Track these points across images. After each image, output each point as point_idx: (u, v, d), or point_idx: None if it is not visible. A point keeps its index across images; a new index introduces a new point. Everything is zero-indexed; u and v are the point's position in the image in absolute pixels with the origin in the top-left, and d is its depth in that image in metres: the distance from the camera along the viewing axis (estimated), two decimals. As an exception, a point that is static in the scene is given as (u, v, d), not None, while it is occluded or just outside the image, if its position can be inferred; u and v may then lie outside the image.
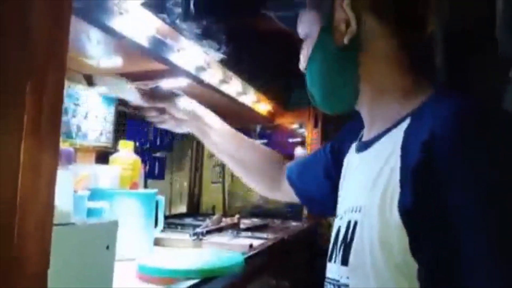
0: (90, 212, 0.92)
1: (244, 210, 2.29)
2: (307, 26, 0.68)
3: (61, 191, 0.55)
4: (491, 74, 1.04)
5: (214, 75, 1.40)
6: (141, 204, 1.10)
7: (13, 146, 0.36)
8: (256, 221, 1.81)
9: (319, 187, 0.84)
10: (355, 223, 0.57)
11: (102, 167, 1.34)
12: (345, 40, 0.61)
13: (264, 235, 1.47)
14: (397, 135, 0.55)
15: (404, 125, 0.55)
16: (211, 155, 2.54)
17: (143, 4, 0.94)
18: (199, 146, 2.34)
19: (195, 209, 2.27)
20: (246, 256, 1.06)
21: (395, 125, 0.58)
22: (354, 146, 0.72)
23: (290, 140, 2.56)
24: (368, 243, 0.53)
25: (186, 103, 1.01)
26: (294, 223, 1.94)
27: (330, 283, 0.62)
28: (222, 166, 2.53)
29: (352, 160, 0.70)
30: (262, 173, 0.97)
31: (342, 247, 0.58)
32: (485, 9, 1.11)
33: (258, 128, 2.47)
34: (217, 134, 0.99)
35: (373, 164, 0.58)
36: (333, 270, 0.61)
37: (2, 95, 0.35)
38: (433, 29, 0.62)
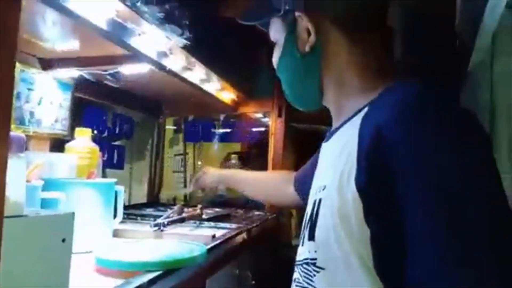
0: (45, 203, 0.87)
1: (206, 200, 2.26)
2: (275, 33, 0.73)
3: (12, 181, 0.51)
4: (451, 66, 1.06)
5: (177, 62, 1.36)
6: (99, 195, 1.05)
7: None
8: (219, 211, 1.79)
9: None
10: (320, 201, 0.60)
11: (57, 156, 1.28)
12: (306, 48, 0.67)
13: (227, 225, 1.46)
14: (356, 122, 0.59)
15: (363, 113, 0.60)
16: (173, 144, 2.49)
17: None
18: (160, 134, 2.29)
19: (155, 199, 2.22)
20: (208, 246, 1.04)
21: (355, 114, 0.62)
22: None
23: (254, 129, 2.55)
24: (330, 217, 0.56)
25: (212, 175, 1.43)
26: (257, 213, 1.93)
27: (299, 265, 0.63)
28: (184, 155, 2.49)
29: (322, 151, 0.76)
30: (278, 194, 1.23)
31: (308, 225, 0.62)
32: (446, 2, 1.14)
33: (222, 117, 2.45)
34: (242, 183, 1.36)
35: (335, 149, 0.63)
36: (302, 250, 0.63)
37: None
38: (391, 25, 0.67)
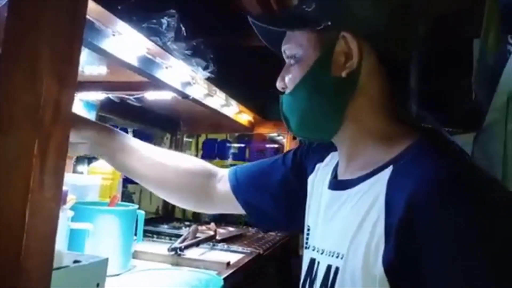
0: (74, 233, 0.92)
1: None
2: (297, 48, 0.63)
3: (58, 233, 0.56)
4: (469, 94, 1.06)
5: (199, 90, 1.41)
6: (122, 221, 1.11)
7: (18, 201, 0.36)
8: (232, 230, 1.83)
9: (272, 200, 0.80)
10: (336, 269, 0.58)
11: (83, 177, 1.34)
12: (343, 74, 0.59)
13: (240, 248, 1.51)
14: (380, 184, 0.55)
15: (386, 174, 0.56)
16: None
17: (138, 29, 0.95)
18: (177, 150, 2.34)
19: (170, 214, 2.28)
20: (224, 276, 1.09)
21: (376, 171, 0.58)
22: (322, 175, 0.72)
23: (268, 145, 2.61)
24: None
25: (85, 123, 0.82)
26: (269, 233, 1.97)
27: None
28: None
29: (323, 194, 0.69)
30: (188, 188, 0.84)
31: None
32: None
33: (236, 134, 2.51)
34: (130, 151, 0.82)
35: (354, 211, 0.58)
36: None
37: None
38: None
